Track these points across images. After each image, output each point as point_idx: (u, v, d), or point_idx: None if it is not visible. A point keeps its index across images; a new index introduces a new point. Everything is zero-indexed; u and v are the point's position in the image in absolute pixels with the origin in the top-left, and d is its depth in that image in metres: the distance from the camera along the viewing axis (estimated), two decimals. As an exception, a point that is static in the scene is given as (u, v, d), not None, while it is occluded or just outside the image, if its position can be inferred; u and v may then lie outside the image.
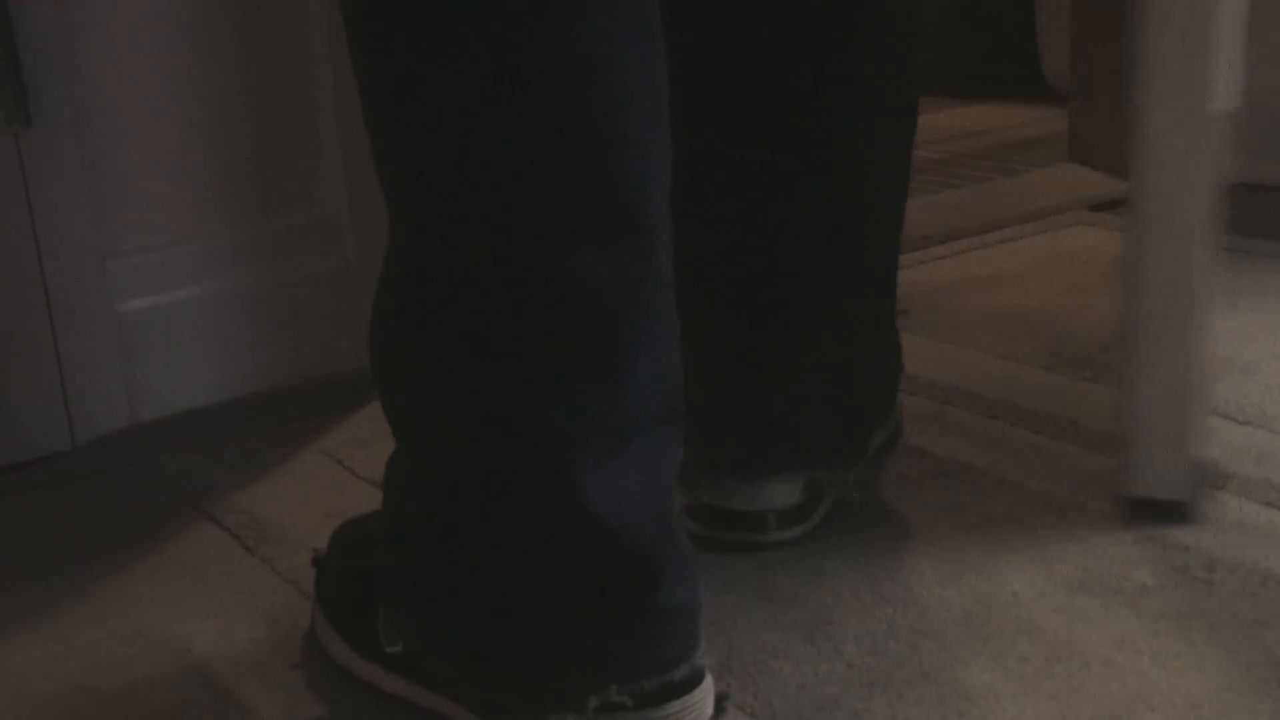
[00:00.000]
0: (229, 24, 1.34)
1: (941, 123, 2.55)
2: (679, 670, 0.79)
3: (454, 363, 0.77)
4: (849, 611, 0.98)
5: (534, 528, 0.77)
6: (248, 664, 0.95)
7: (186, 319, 1.35)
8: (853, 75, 1.00)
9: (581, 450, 0.76)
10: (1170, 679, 0.88)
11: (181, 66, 1.32)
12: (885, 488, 1.15)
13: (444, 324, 0.77)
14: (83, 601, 1.05)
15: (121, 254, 1.32)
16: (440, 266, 0.76)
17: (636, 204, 0.75)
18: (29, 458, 1.29)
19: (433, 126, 0.74)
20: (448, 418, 0.78)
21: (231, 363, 1.38)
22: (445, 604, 0.80)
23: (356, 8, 0.76)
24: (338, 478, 1.23)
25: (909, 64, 1.05)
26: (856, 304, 1.06)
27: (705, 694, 0.81)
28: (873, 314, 1.09)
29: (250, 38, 1.36)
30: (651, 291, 0.77)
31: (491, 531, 0.78)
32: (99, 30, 1.27)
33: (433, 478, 0.81)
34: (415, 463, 0.82)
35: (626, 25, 0.73)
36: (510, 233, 0.74)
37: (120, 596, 1.05)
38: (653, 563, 0.77)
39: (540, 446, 0.76)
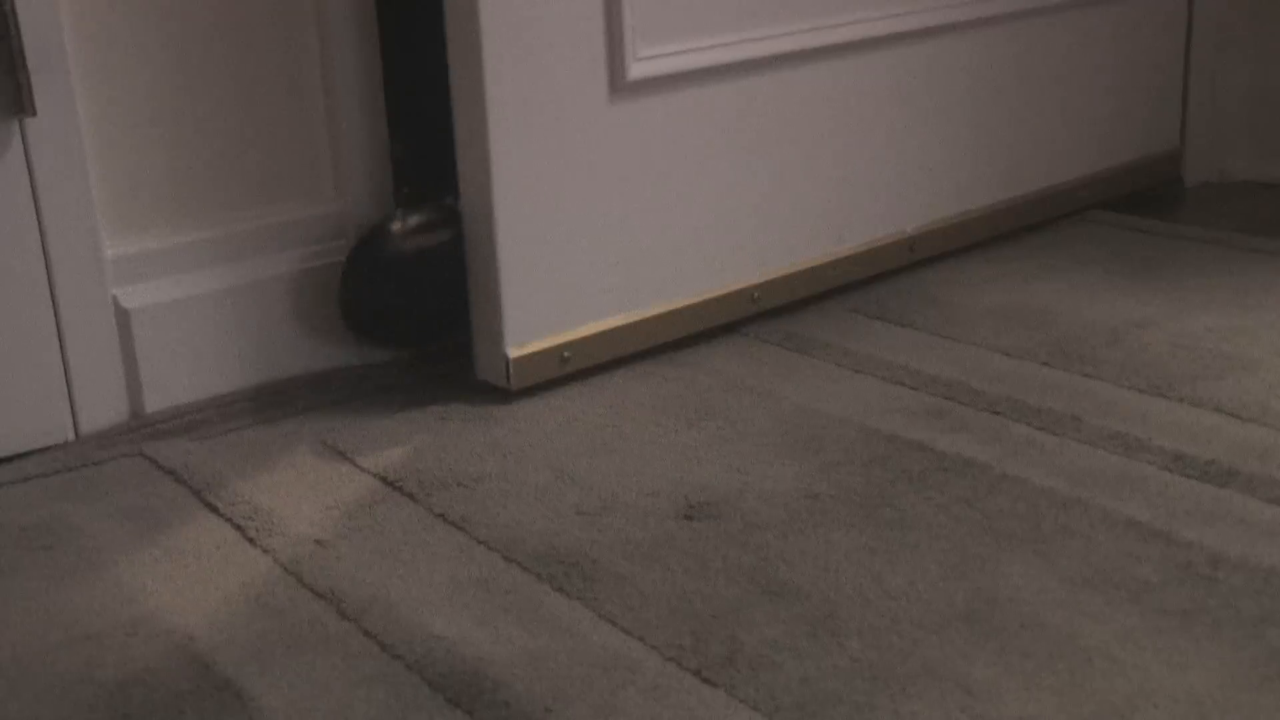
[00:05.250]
0: (230, 20, 1.34)
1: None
2: None
3: None
4: (852, 606, 0.98)
5: None
6: (249, 654, 0.95)
7: (189, 311, 1.35)
8: None
9: None
10: (1173, 675, 0.88)
11: (184, 60, 1.32)
12: (889, 483, 1.15)
13: None
14: (85, 591, 1.05)
15: (124, 246, 1.32)
16: None
17: None
18: (32, 448, 1.29)
19: None
20: None
21: (234, 354, 1.38)
22: None
23: None
24: (340, 469, 1.23)
25: None
26: None
27: None
28: None
29: (250, 33, 1.36)
30: None
31: None
32: (103, 23, 1.27)
33: None
34: None
35: None
36: None
37: (122, 586, 1.05)
38: None
39: None
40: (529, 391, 1.35)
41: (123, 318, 1.31)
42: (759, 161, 1.49)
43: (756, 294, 1.51)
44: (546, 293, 1.35)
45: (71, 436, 1.31)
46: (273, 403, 1.38)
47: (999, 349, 1.43)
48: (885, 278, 1.63)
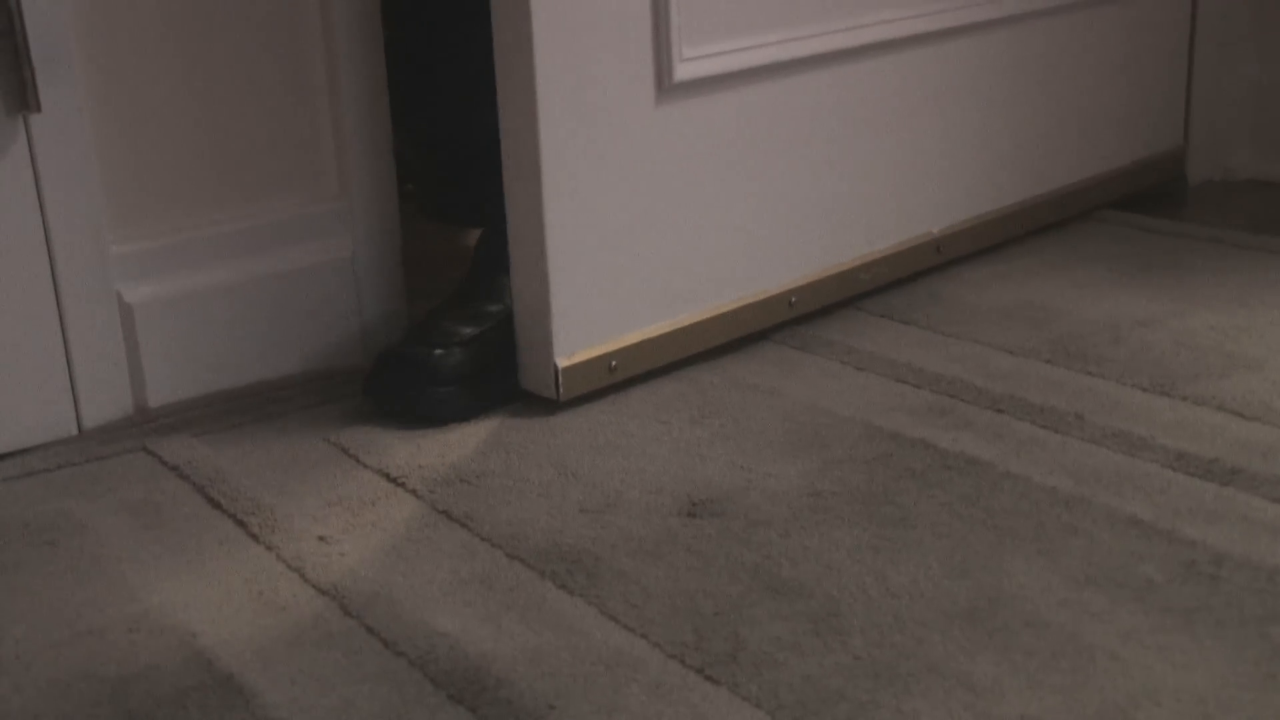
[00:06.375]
0: (235, 16, 1.34)
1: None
2: None
3: None
4: (855, 604, 0.98)
5: None
6: (252, 650, 0.95)
7: (193, 307, 1.35)
8: None
9: None
10: (1176, 674, 0.88)
11: (188, 56, 1.32)
12: (892, 480, 1.15)
13: None
14: (87, 587, 1.05)
15: (129, 242, 1.32)
16: None
17: None
18: (35, 443, 1.29)
19: None
20: None
21: (238, 350, 1.38)
22: None
23: None
24: (343, 465, 1.23)
25: None
26: None
27: None
28: None
29: (255, 28, 1.35)
30: None
31: None
32: (108, 19, 1.27)
33: None
34: None
35: None
36: None
37: (125, 582, 1.05)
38: None
39: None
40: (575, 402, 1.33)
41: (126, 313, 1.31)
42: (795, 163, 1.48)
43: (793, 299, 1.50)
44: (594, 300, 1.33)
45: (74, 431, 1.31)
46: (276, 399, 1.38)
47: (1002, 347, 1.43)
48: (907, 280, 1.63)
